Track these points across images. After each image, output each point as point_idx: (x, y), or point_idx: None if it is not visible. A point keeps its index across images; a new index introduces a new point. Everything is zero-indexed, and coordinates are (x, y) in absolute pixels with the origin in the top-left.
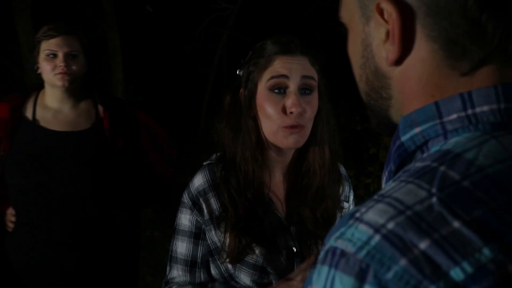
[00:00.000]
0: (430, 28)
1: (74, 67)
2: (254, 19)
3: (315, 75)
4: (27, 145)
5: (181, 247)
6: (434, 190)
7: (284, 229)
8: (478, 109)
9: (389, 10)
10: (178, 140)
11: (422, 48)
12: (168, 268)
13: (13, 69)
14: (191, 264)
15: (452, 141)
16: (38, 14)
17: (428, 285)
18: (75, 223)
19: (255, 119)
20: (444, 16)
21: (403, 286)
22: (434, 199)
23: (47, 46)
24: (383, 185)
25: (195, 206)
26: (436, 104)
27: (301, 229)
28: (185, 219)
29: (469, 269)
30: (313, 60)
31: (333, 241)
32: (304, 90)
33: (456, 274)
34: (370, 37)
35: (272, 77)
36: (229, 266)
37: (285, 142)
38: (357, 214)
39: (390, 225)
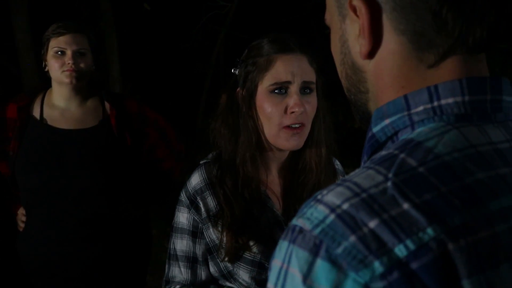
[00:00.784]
0: (398, 22)
1: (82, 65)
2: (252, 17)
3: (314, 76)
4: (36, 144)
5: (181, 244)
6: (390, 175)
7: (281, 225)
8: (443, 101)
9: (359, 5)
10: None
11: (391, 40)
12: (167, 266)
13: (10, 68)
14: (192, 260)
15: (417, 131)
16: (35, 13)
17: (373, 259)
18: (86, 221)
19: (254, 120)
20: (409, 9)
21: (350, 260)
22: (389, 183)
23: (56, 43)
24: None
25: (192, 205)
26: (405, 97)
27: None
28: (182, 217)
29: (411, 246)
30: (311, 59)
31: (295, 220)
32: (304, 89)
33: (400, 250)
34: (346, 34)
35: (275, 83)
36: (228, 263)
37: (286, 145)
38: (319, 196)
39: (345, 206)
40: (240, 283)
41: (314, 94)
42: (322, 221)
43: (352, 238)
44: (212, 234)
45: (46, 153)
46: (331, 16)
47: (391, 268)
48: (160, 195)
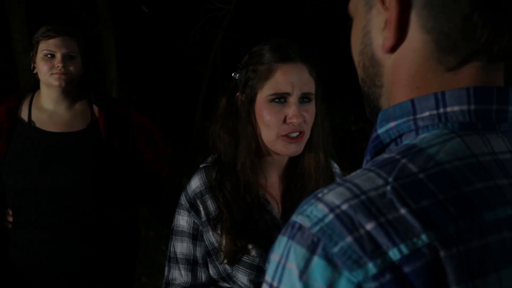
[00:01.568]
0: (426, 20)
1: (71, 68)
2: (249, 19)
3: (313, 87)
4: (24, 146)
5: (181, 247)
6: (390, 179)
7: (280, 228)
8: (449, 109)
9: None
10: (173, 140)
11: (415, 38)
12: (166, 269)
13: (7, 69)
14: (193, 263)
15: (421, 136)
16: (32, 14)
17: (367, 261)
18: (74, 223)
19: (253, 126)
20: (440, 9)
21: (346, 260)
22: (388, 187)
23: (45, 46)
24: None
25: (192, 208)
26: (412, 101)
27: None
28: (182, 220)
29: (405, 250)
30: (311, 68)
31: (295, 216)
32: (303, 99)
33: (394, 254)
34: (370, 24)
35: (275, 93)
36: (227, 266)
37: (285, 151)
38: (320, 195)
39: (344, 206)
40: (239, 285)
41: (313, 103)
42: (321, 219)
43: (349, 239)
44: (211, 237)
45: (34, 155)
46: (356, 4)
47: (384, 270)
48: (147, 197)
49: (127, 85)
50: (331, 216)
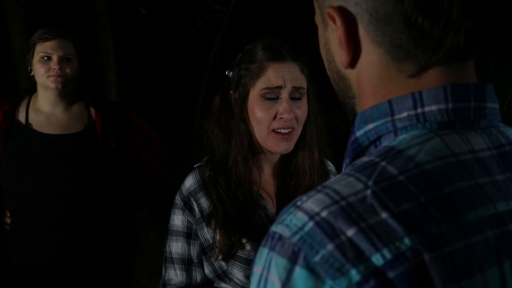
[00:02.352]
0: (374, 34)
1: (68, 70)
2: (248, 20)
3: (305, 83)
4: (21, 149)
5: (176, 247)
6: (370, 183)
7: None
8: (427, 108)
9: (334, 17)
10: (172, 141)
11: (370, 51)
12: (163, 269)
13: (6, 72)
14: (187, 263)
15: (399, 138)
16: (31, 17)
17: (350, 268)
18: (71, 225)
19: (246, 123)
20: (385, 22)
21: (328, 268)
22: (368, 192)
23: (42, 48)
24: None
25: (186, 206)
26: (389, 102)
27: None
28: (177, 219)
29: (388, 255)
30: (303, 66)
31: (274, 226)
32: (295, 95)
33: (377, 259)
34: (329, 42)
35: (267, 88)
36: (223, 262)
37: (276, 148)
38: (298, 203)
39: (324, 213)
40: (235, 282)
41: (305, 99)
42: (301, 228)
43: (330, 246)
44: (206, 233)
45: (31, 157)
46: (317, 22)
47: (368, 277)
48: (144, 198)
49: (126, 87)
50: (310, 224)
